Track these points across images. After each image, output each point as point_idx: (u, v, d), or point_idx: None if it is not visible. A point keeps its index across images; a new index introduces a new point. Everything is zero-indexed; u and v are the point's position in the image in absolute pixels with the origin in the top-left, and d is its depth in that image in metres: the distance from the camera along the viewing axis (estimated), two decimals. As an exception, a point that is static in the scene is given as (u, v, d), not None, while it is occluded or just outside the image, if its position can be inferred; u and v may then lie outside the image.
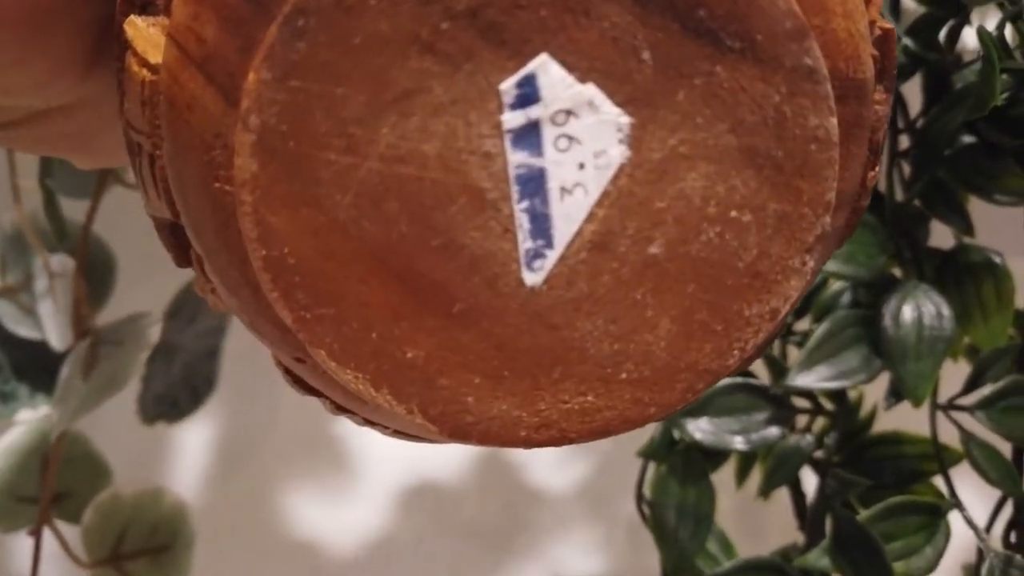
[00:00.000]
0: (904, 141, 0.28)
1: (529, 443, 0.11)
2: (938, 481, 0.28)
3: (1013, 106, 0.25)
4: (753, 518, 0.36)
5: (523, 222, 0.11)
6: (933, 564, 0.25)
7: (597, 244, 0.11)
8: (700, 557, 0.27)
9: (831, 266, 0.25)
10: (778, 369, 0.27)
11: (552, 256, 0.11)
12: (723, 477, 0.28)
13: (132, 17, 0.12)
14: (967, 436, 0.26)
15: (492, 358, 0.11)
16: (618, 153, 0.10)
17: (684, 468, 0.27)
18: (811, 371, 0.25)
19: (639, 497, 0.28)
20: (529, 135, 0.10)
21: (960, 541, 0.26)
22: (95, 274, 0.31)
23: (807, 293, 0.29)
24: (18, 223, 0.30)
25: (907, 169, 0.28)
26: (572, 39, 0.10)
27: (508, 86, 0.10)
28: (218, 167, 0.11)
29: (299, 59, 0.10)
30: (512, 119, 0.10)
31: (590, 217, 0.11)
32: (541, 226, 0.11)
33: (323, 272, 0.11)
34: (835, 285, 0.29)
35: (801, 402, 0.28)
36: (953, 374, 0.28)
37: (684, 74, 0.10)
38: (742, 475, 0.30)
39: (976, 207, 0.28)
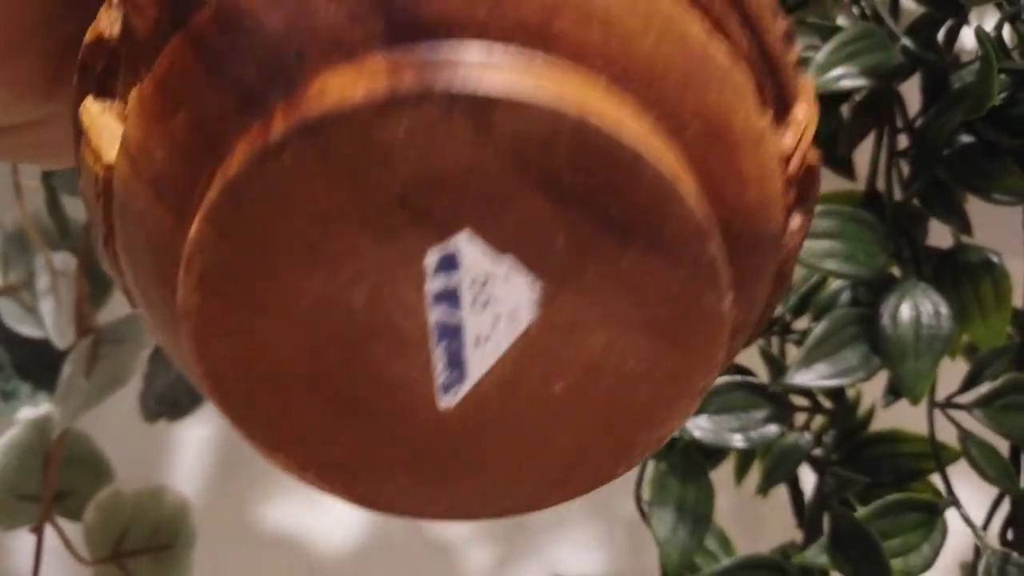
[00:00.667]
0: (903, 141, 0.28)
1: (440, 519, 0.13)
2: (935, 479, 0.28)
3: (1011, 106, 0.25)
4: (751, 516, 0.36)
5: (440, 360, 0.12)
6: (930, 561, 0.25)
7: (506, 381, 0.12)
8: (699, 555, 0.27)
9: (831, 265, 0.26)
10: (777, 367, 0.27)
11: (464, 387, 0.12)
12: (721, 475, 0.28)
13: (88, 103, 0.13)
14: (965, 434, 0.26)
15: (408, 460, 0.13)
16: (529, 313, 0.12)
17: (683, 466, 0.27)
18: (810, 369, 0.25)
19: (638, 496, 0.28)
20: (449, 296, 0.11)
21: (957, 539, 0.27)
22: (96, 272, 0.31)
23: (806, 291, 0.29)
24: (20, 221, 0.31)
25: (905, 168, 0.28)
26: (493, 223, 0.11)
27: (432, 258, 0.11)
28: (168, 274, 0.12)
29: (239, 221, 0.11)
30: (434, 284, 0.11)
31: (501, 359, 0.12)
32: (456, 365, 0.12)
33: (256, 386, 0.12)
34: (834, 284, 0.29)
35: (800, 400, 0.28)
36: (951, 373, 0.28)
37: (594, 258, 0.11)
38: (741, 473, 0.30)
39: (974, 206, 0.28)
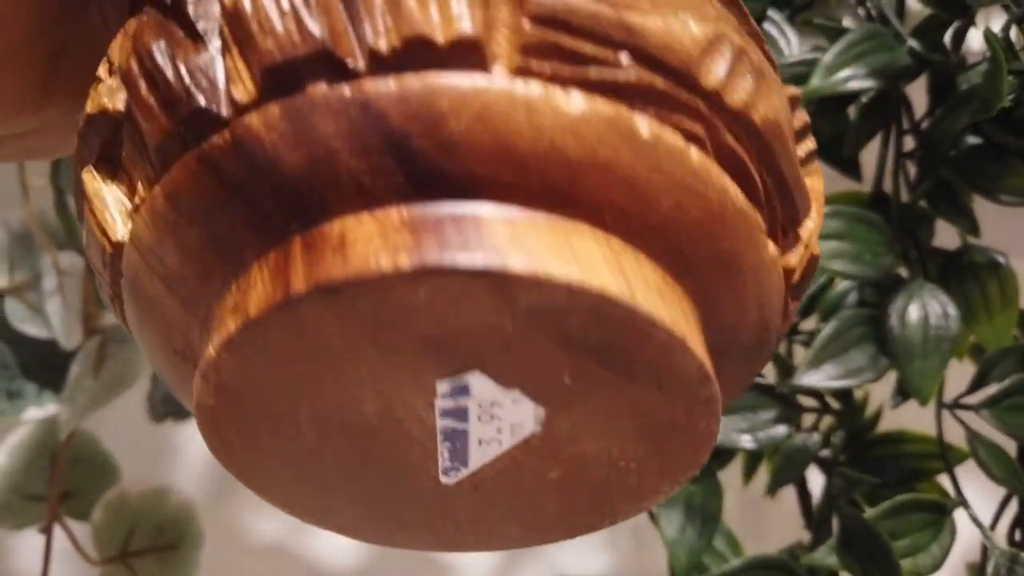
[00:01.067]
0: (909, 142, 0.28)
1: (437, 550, 0.15)
2: (943, 479, 0.28)
3: (1019, 107, 0.25)
4: (755, 517, 0.36)
5: (444, 453, 0.12)
6: (939, 562, 0.25)
7: (504, 468, 0.13)
8: (707, 555, 0.27)
9: (838, 266, 0.26)
10: (785, 368, 0.27)
11: (464, 473, 0.13)
12: (726, 476, 0.28)
13: (90, 173, 0.13)
14: (972, 435, 0.26)
15: (409, 516, 0.14)
16: (532, 427, 0.12)
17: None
18: (818, 370, 0.25)
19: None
20: (458, 412, 0.12)
21: (964, 539, 0.27)
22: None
23: (813, 292, 0.29)
24: (26, 221, 0.31)
25: (912, 169, 0.28)
26: (505, 362, 0.11)
27: (443, 387, 0.12)
28: (176, 347, 0.13)
29: (256, 352, 0.11)
30: (444, 403, 0.12)
31: (501, 455, 0.13)
32: (459, 458, 0.13)
33: (266, 459, 0.13)
34: (841, 284, 0.29)
35: (808, 401, 0.28)
36: (958, 373, 0.28)
37: (597, 390, 0.12)
38: (749, 474, 0.30)
39: (980, 207, 0.28)
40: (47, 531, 0.29)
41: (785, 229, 0.13)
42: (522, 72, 0.10)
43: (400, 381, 0.11)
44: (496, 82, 0.10)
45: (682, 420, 0.12)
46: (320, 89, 0.10)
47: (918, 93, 0.29)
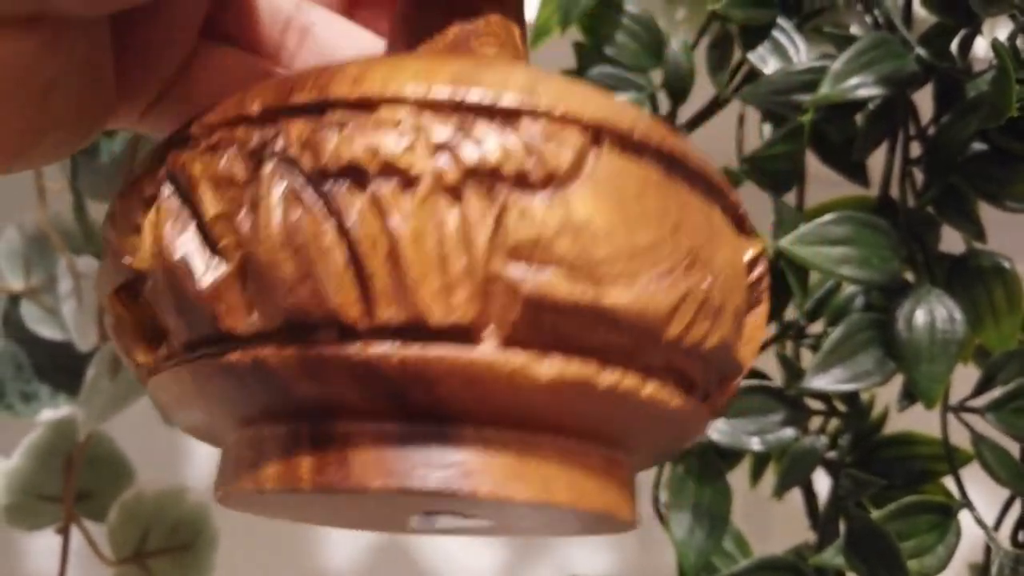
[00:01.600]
0: (915, 148, 0.29)
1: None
2: (948, 481, 0.28)
3: (1024, 115, 0.25)
4: (759, 518, 0.36)
5: (415, 524, 0.16)
6: (945, 562, 0.26)
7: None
8: (716, 556, 0.27)
9: (846, 271, 0.26)
10: (793, 371, 0.28)
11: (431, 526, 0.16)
12: (730, 478, 0.29)
13: (113, 296, 0.15)
14: (977, 437, 0.27)
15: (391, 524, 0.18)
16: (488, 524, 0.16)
17: (700, 468, 0.27)
18: (827, 373, 0.26)
19: (656, 498, 0.28)
20: (427, 524, 0.16)
21: (966, 540, 0.27)
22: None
23: (821, 296, 0.29)
24: (42, 225, 0.31)
25: (917, 174, 0.29)
26: (468, 504, 0.14)
27: (415, 520, 0.16)
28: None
29: (262, 504, 0.15)
30: (416, 524, 0.16)
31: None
32: (427, 525, 0.16)
33: (265, 509, 0.16)
34: (848, 288, 0.29)
35: (815, 403, 0.28)
36: (962, 376, 0.28)
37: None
38: (756, 475, 0.30)
39: (985, 213, 0.28)
40: (64, 532, 0.29)
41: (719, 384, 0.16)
42: (510, 342, 0.13)
43: (382, 515, 0.15)
44: (484, 354, 0.12)
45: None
46: (330, 345, 0.12)
47: (924, 99, 0.29)
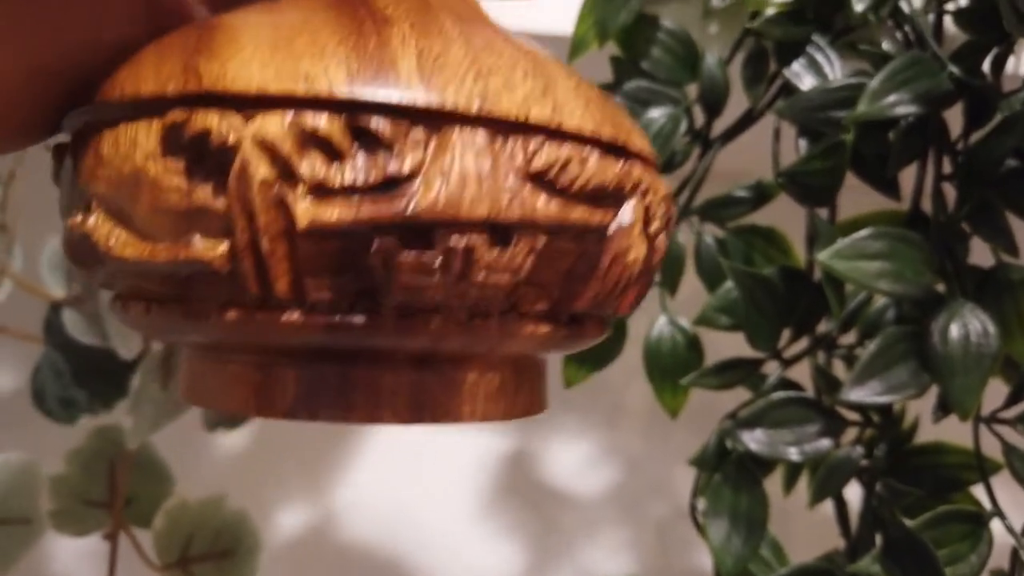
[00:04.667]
0: (946, 163, 0.29)
1: None
2: (978, 491, 0.29)
3: (1058, 133, 0.26)
4: (784, 525, 0.37)
5: None
6: (977, 571, 0.26)
7: None
8: (753, 562, 0.28)
9: (884, 285, 0.26)
10: (828, 382, 0.28)
11: None
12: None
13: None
14: (1008, 447, 0.27)
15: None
16: None
17: (737, 476, 0.28)
18: (864, 386, 0.26)
19: (692, 506, 0.29)
20: None
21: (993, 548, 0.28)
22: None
23: (853, 308, 0.30)
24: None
25: (948, 188, 0.29)
26: None
27: None
28: None
29: None
30: None
31: None
32: None
33: None
34: (880, 300, 0.30)
35: (850, 414, 0.29)
36: (992, 388, 0.29)
37: None
38: (789, 484, 0.31)
39: (1013, 225, 0.29)
40: (112, 538, 0.30)
41: None
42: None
43: None
44: None
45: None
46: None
47: (952, 114, 0.30)
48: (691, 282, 0.32)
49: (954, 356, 0.26)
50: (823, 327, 0.30)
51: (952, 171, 0.29)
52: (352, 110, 0.13)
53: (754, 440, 0.27)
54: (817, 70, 0.29)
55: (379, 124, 0.13)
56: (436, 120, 0.13)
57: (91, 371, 0.34)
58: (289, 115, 0.13)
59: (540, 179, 0.14)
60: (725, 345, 0.32)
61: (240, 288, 0.13)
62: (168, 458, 0.32)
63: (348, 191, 0.13)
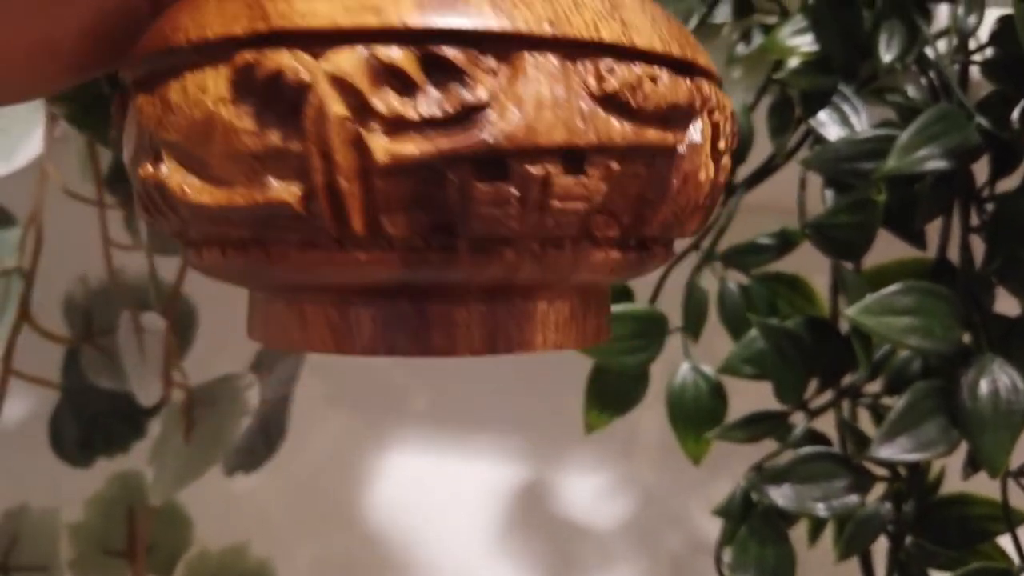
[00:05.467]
0: (974, 215, 0.29)
1: None
2: (1004, 541, 0.29)
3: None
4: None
5: None
6: (1006, 627, 0.26)
7: None
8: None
9: (913, 342, 0.26)
10: (856, 437, 0.28)
11: None
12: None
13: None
14: (1036, 502, 0.27)
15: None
16: None
17: (763, 530, 0.28)
18: (893, 443, 0.26)
19: (718, 558, 0.29)
20: None
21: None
22: (185, 330, 0.31)
23: (879, 359, 0.30)
24: (106, 279, 0.31)
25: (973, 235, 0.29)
26: None
27: None
28: None
29: None
30: None
31: None
32: None
33: None
34: (905, 351, 0.30)
35: (877, 468, 0.28)
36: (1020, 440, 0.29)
37: None
38: (814, 536, 0.31)
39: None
40: (134, 588, 0.29)
41: None
42: None
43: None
44: None
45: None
46: None
47: (978, 161, 0.30)
48: (713, 325, 0.32)
49: (984, 413, 0.26)
50: (849, 377, 0.30)
51: (980, 223, 0.28)
52: (424, 40, 0.12)
53: (782, 495, 0.27)
54: (843, 119, 0.29)
55: (452, 53, 0.12)
56: (508, 45, 0.13)
57: (108, 413, 0.33)
58: (361, 49, 0.12)
59: (614, 101, 0.13)
60: (748, 388, 0.31)
61: (317, 228, 0.13)
62: (187, 504, 0.32)
63: (425, 124, 0.12)
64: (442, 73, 0.12)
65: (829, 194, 0.29)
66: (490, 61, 0.13)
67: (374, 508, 0.45)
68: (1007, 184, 0.29)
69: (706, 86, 0.15)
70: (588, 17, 0.13)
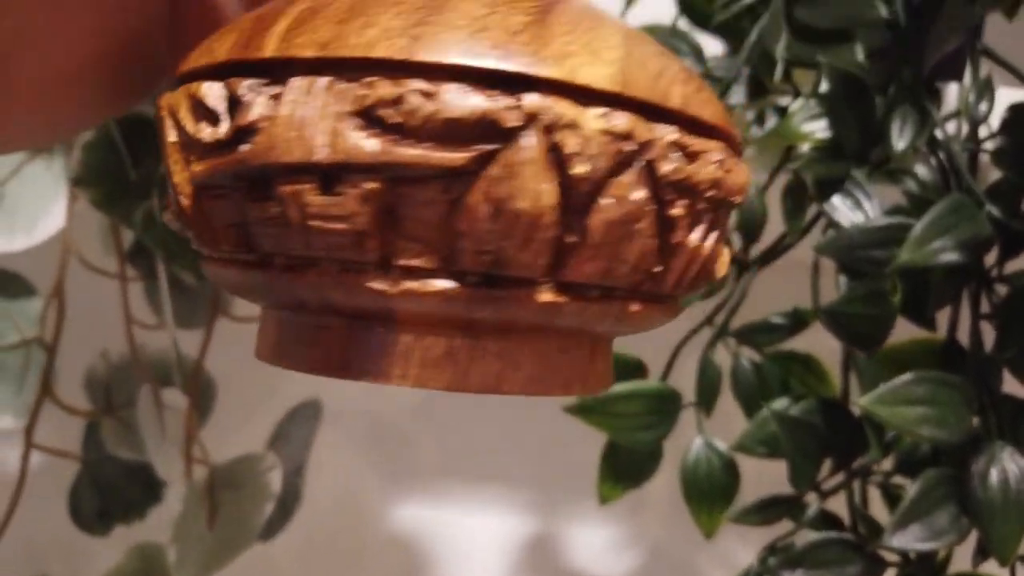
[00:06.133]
0: (984, 300, 0.30)
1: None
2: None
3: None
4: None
5: None
6: None
7: None
8: None
9: (926, 432, 0.27)
10: (867, 523, 0.29)
11: None
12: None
13: None
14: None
15: None
16: None
17: (776, 612, 0.28)
18: (906, 531, 0.27)
19: (732, 638, 0.29)
20: None
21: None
22: (205, 404, 0.31)
23: (889, 440, 0.30)
24: (127, 354, 0.31)
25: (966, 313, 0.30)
26: None
27: None
28: None
29: None
30: None
31: None
32: None
33: None
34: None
35: (889, 554, 0.29)
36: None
37: None
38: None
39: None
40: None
41: None
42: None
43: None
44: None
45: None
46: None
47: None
48: (726, 396, 0.32)
49: (994, 502, 0.27)
50: (861, 459, 0.30)
51: (991, 309, 0.29)
52: (229, 74, 0.14)
53: (796, 582, 0.27)
54: (856, 204, 0.30)
55: (242, 83, 0.14)
56: (283, 72, 0.13)
57: (126, 481, 0.34)
58: (187, 86, 0.14)
59: (369, 116, 0.13)
60: (762, 463, 0.32)
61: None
62: None
63: (213, 146, 0.14)
64: (233, 103, 0.14)
65: (843, 280, 0.29)
66: (268, 88, 0.13)
67: (387, 565, 0.45)
68: (1015, 264, 0.29)
69: (546, 101, 0.13)
70: (373, 35, 0.13)
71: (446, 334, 0.14)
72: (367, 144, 0.13)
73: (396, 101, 0.13)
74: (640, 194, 0.13)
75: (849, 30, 0.30)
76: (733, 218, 0.32)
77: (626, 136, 0.13)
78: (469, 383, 0.14)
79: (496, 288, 0.14)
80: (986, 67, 0.32)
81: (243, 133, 0.13)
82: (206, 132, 0.14)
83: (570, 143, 0.13)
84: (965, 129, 0.31)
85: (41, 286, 0.32)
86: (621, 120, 0.13)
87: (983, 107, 0.30)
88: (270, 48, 0.13)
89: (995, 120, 0.30)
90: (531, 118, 0.13)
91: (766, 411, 0.30)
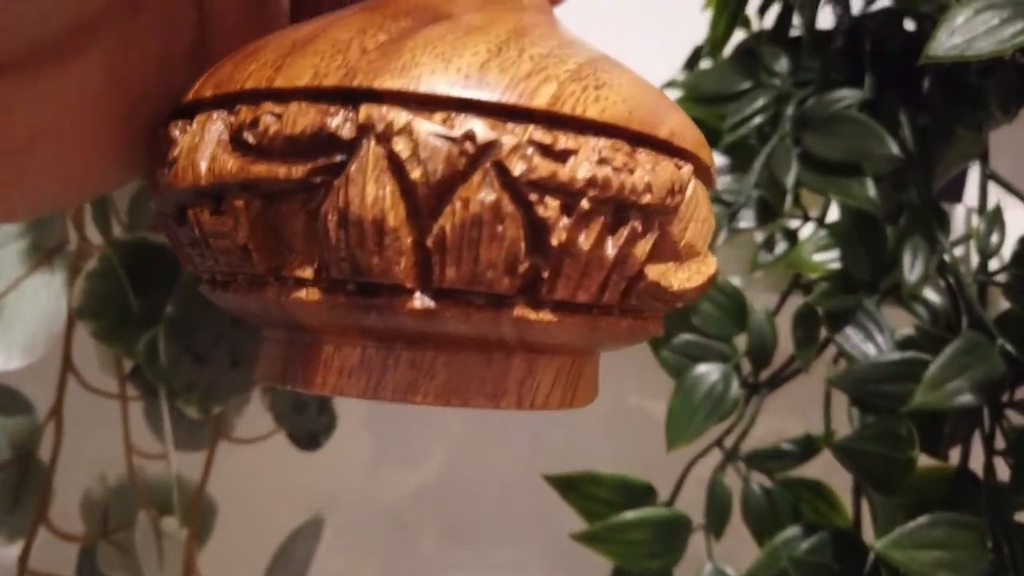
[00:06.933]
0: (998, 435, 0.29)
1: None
2: None
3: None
4: None
5: None
6: None
7: None
8: None
9: (942, 575, 0.26)
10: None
11: None
12: None
13: None
14: None
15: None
16: None
17: None
18: None
19: None
20: None
21: None
22: (204, 525, 0.31)
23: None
24: (124, 477, 0.31)
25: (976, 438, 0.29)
26: None
27: None
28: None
29: None
30: None
31: None
32: None
33: None
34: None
35: None
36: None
37: None
38: None
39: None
40: None
41: None
42: None
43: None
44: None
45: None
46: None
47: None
48: (735, 517, 0.32)
49: (1012, 650, 0.26)
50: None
51: (1006, 445, 0.29)
52: (176, 116, 0.15)
53: None
54: (867, 335, 0.29)
55: (176, 126, 0.15)
56: (195, 111, 0.15)
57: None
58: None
59: (235, 140, 0.14)
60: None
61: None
62: None
63: (160, 181, 0.15)
64: (171, 141, 0.15)
65: (855, 412, 0.29)
66: (186, 126, 0.15)
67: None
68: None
69: (381, 111, 0.13)
70: (251, 70, 0.14)
71: (361, 344, 0.15)
72: (230, 164, 0.14)
73: (253, 124, 0.14)
74: (490, 195, 0.13)
75: (859, 162, 0.30)
76: (742, 340, 0.32)
77: (465, 138, 0.13)
78: (383, 391, 0.15)
79: (373, 297, 0.14)
80: (993, 194, 0.32)
81: (167, 167, 0.15)
82: (159, 169, 0.15)
83: (403, 149, 0.13)
84: (974, 256, 0.31)
85: (38, 402, 0.31)
86: (461, 123, 0.13)
87: (994, 239, 0.30)
88: (192, 91, 0.15)
89: (1006, 250, 0.30)
90: (364, 128, 0.13)
91: (778, 543, 0.30)
